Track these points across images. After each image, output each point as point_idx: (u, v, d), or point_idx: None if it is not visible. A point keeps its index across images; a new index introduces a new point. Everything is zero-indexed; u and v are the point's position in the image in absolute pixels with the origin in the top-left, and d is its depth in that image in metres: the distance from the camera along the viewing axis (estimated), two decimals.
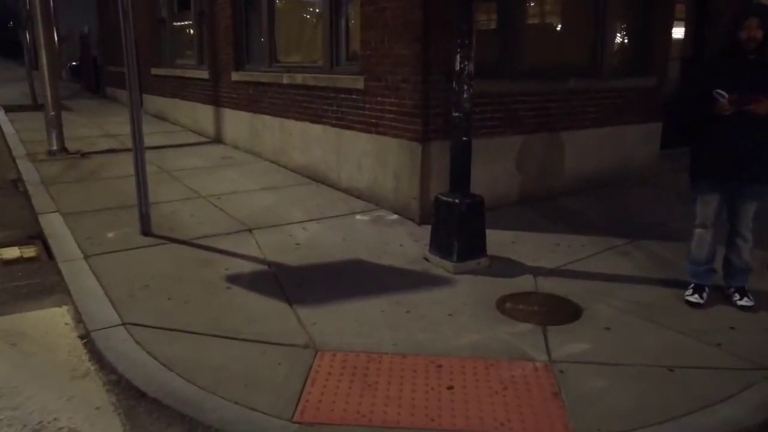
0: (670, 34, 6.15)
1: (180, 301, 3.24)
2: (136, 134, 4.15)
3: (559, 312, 3.19)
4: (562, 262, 3.84)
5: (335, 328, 2.97)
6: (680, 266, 3.55)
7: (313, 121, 5.78)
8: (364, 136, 5.07)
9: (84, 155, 7.05)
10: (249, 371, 2.60)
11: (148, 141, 7.63)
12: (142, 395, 2.45)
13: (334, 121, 5.45)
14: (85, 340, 2.90)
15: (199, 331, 2.94)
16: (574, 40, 5.68)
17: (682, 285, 3.40)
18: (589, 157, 5.53)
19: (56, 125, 6.89)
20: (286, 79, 6.11)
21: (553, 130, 5.20)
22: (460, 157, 3.70)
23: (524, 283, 3.55)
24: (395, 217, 4.70)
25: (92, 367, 2.67)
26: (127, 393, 2.47)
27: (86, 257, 3.83)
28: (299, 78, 5.90)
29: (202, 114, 8.58)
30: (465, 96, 3.59)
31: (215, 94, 7.95)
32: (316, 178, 5.85)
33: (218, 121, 8.03)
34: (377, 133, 4.88)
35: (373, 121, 4.90)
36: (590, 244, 4.18)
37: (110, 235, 4.25)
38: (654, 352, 2.78)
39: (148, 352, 2.74)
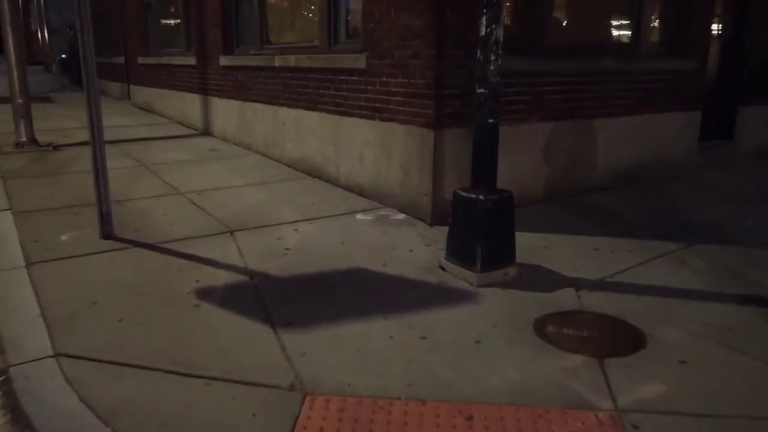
0: (712, 13, 5.46)
1: (134, 323, 2.56)
2: (94, 117, 3.48)
3: (617, 338, 2.51)
4: (607, 273, 3.16)
5: (330, 362, 2.29)
6: (753, 277, 2.87)
7: (308, 108, 5.09)
8: (366, 123, 4.38)
9: (56, 148, 6.37)
10: (214, 424, 1.92)
11: (131, 133, 6.93)
12: None
13: (331, 107, 4.76)
14: (2, 379, 2.21)
15: (154, 366, 2.25)
16: (608, 14, 4.99)
17: (763, 302, 2.72)
18: (623, 148, 4.84)
19: (24, 114, 6.21)
20: (278, 62, 5.43)
21: (584, 117, 4.52)
22: (485, 143, 3.01)
23: (565, 298, 2.87)
24: (402, 216, 4.02)
25: (1, 420, 1.98)
26: None
27: (29, 265, 3.15)
28: (293, 60, 5.21)
29: (189, 104, 7.90)
30: (492, 68, 2.90)
31: (203, 82, 7.27)
32: (311, 172, 5.17)
33: (206, 112, 7.35)
34: (381, 119, 4.20)
35: (377, 105, 4.22)
36: (637, 249, 3.49)
37: (64, 237, 3.57)
38: (752, 395, 2.09)
39: (81, 397, 2.05)
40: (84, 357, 2.30)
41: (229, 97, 6.61)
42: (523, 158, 4.22)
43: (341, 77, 4.58)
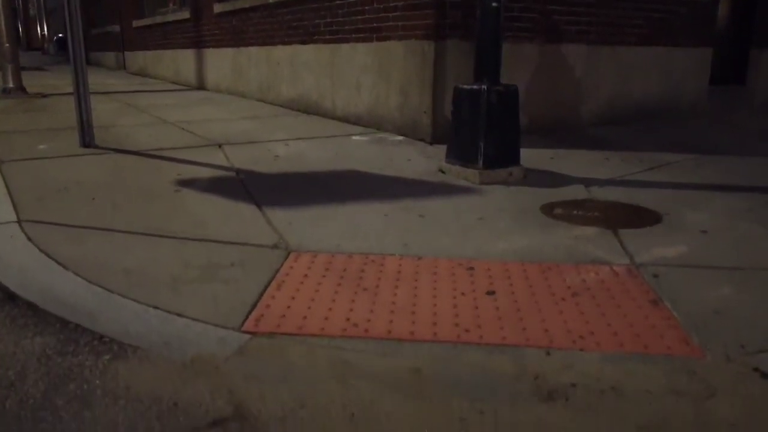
0: None
1: (107, 204, 2.36)
2: (74, 23, 3.24)
3: (631, 216, 2.31)
4: (618, 174, 2.97)
5: (319, 232, 2.09)
6: None
7: (303, 42, 4.89)
8: (363, 47, 4.18)
9: (44, 96, 6.16)
10: (182, 274, 1.71)
11: (120, 89, 6.73)
12: (10, 298, 1.57)
13: (327, 36, 4.56)
14: None
15: (123, 230, 2.05)
16: None
17: None
18: (635, 80, 4.64)
19: (12, 60, 6.00)
20: None
21: (595, 42, 4.31)
22: (488, 31, 2.81)
23: (575, 192, 2.67)
24: (401, 138, 3.82)
25: None
26: None
27: (1, 163, 2.94)
28: None
29: (183, 62, 7.71)
30: None
31: (197, 35, 7.07)
32: (307, 110, 4.97)
33: (200, 67, 7.15)
34: (379, 39, 3.99)
35: (375, 24, 4.01)
36: (648, 159, 3.30)
37: (41, 146, 3.37)
38: None
39: (42, 251, 1.85)
40: (49, 222, 2.10)
41: (223, 46, 6.41)
42: (526, 81, 4.01)
43: (338, 2, 4.38)
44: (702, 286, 1.67)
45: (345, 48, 4.37)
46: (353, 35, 4.25)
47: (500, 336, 1.40)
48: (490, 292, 1.62)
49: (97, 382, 1.21)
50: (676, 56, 4.84)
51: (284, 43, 5.18)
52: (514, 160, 2.92)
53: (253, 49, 5.78)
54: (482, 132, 2.80)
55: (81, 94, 3.24)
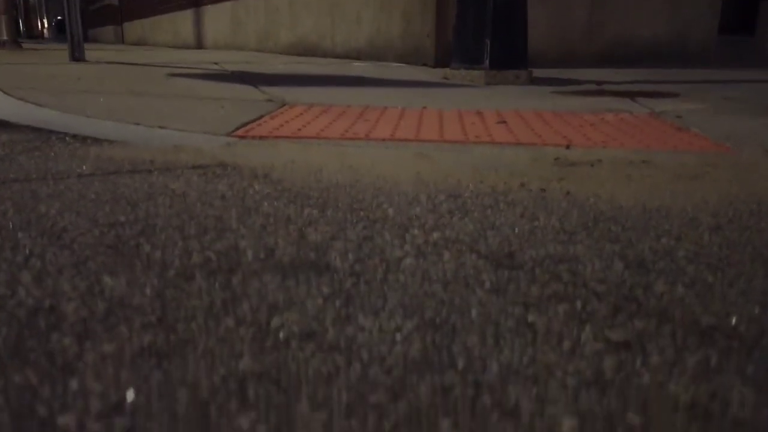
0: None
1: (93, 81, 2.23)
2: None
3: (648, 94, 2.18)
4: (629, 79, 2.83)
5: (316, 97, 1.96)
6: None
7: None
8: None
9: (37, 50, 6.03)
10: (168, 111, 1.59)
11: (116, 52, 6.60)
12: None
13: None
14: None
15: (106, 92, 1.92)
16: None
17: None
18: (643, 21, 4.50)
19: (5, 11, 5.87)
20: None
21: None
22: None
23: (587, 87, 2.54)
24: (403, 64, 3.69)
25: None
26: None
27: None
28: None
29: (181, 24, 7.58)
30: None
31: None
32: (305, 53, 4.84)
33: (198, 26, 7.03)
34: None
35: None
36: (656, 74, 3.18)
37: (31, 61, 3.24)
38: None
39: (20, 98, 1.72)
40: (31, 88, 1.98)
41: (222, 0, 6.29)
42: (534, 12, 3.88)
43: None
44: (722, 123, 1.54)
45: None
46: None
47: (513, 138, 1.27)
48: (501, 122, 1.49)
49: (66, 152, 1.08)
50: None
51: None
52: (522, 63, 2.78)
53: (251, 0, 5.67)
54: (489, 30, 2.67)
55: (71, 12, 3.11)
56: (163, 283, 0.54)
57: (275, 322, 0.47)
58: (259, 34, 5.59)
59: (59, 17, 17.00)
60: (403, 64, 3.70)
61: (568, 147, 1.20)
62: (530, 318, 0.49)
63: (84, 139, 1.21)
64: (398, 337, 0.45)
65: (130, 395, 0.37)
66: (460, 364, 0.42)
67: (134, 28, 9.58)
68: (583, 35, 4.20)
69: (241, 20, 5.93)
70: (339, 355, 0.43)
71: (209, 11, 6.67)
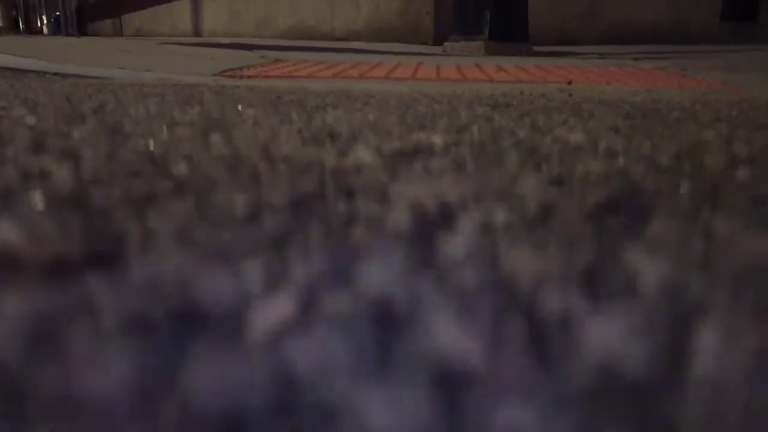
0: None
1: (86, 48, 2.17)
2: None
3: (650, 57, 2.12)
4: (631, 51, 2.78)
5: (307, 57, 1.91)
6: None
7: None
8: None
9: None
10: (155, 62, 1.54)
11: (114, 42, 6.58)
12: None
13: None
14: None
15: (101, 51, 1.87)
16: None
17: None
18: (645, 3, 4.45)
19: None
20: None
21: None
22: None
23: (586, 57, 2.49)
24: (402, 44, 3.63)
25: None
26: None
27: None
28: None
29: (179, 14, 7.52)
30: None
31: None
32: (304, 37, 4.79)
33: (196, 16, 6.98)
34: None
35: None
36: (660, 48, 3.12)
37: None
38: None
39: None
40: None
41: None
42: None
43: None
44: (728, 75, 1.49)
45: None
46: None
47: (513, 78, 1.22)
48: (500, 70, 1.44)
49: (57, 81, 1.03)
50: None
51: None
52: (523, 36, 2.73)
53: None
54: (489, 2, 2.62)
55: (66, 8, 3.05)
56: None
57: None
58: (257, 20, 5.55)
59: (57, 13, 16.95)
60: (402, 44, 3.65)
61: (570, 83, 1.15)
62: None
63: (63, 76, 1.16)
64: None
65: None
66: None
67: (132, 20, 9.52)
68: (585, 14, 4.17)
69: (238, 9, 5.89)
70: None
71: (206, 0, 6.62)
